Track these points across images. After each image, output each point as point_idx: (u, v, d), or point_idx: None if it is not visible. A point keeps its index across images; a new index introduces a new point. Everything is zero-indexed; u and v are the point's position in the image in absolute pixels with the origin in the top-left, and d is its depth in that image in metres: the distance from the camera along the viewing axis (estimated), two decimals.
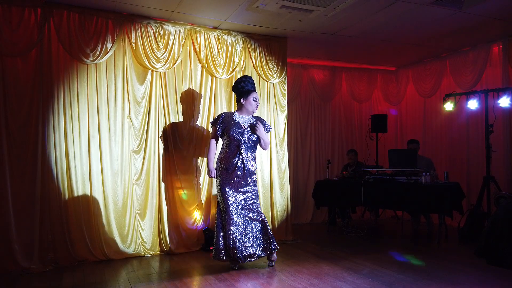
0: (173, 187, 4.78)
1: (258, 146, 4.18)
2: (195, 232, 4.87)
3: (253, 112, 4.17)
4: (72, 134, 4.32)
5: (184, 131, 4.86)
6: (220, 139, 4.20)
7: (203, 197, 4.97)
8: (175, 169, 4.77)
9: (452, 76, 6.34)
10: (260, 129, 4.07)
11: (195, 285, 3.56)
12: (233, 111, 4.41)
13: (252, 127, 4.07)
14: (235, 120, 4.07)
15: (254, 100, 4.13)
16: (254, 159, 4.11)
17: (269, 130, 4.25)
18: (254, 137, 4.06)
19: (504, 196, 4.74)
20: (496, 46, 5.74)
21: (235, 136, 3.99)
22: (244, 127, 4.05)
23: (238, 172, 3.96)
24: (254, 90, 4.18)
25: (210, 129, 4.72)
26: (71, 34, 4.28)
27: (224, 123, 4.08)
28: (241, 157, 3.97)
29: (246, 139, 4.01)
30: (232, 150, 4.00)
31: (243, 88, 4.14)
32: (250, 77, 4.21)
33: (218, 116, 4.21)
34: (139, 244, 4.60)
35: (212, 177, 4.12)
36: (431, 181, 5.24)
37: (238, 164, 3.96)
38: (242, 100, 4.14)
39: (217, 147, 4.21)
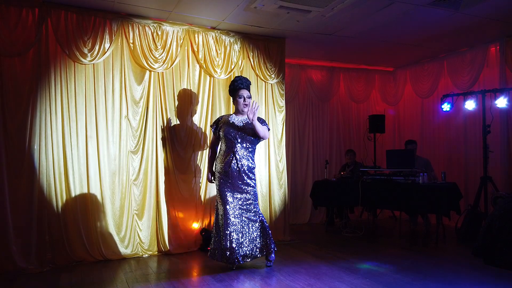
0: (171, 187, 4.78)
1: (258, 144, 4.17)
2: (193, 232, 4.86)
3: (243, 112, 4.08)
4: (69, 134, 4.31)
5: (182, 131, 4.86)
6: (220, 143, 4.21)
7: (201, 197, 4.97)
8: (173, 169, 4.77)
9: (450, 77, 6.35)
10: (253, 114, 3.84)
11: (193, 286, 3.56)
12: (231, 113, 4.39)
13: (247, 127, 4.02)
14: (229, 121, 4.07)
15: (240, 98, 4.07)
16: (251, 159, 4.06)
17: (268, 129, 4.14)
18: (250, 137, 4.02)
19: (501, 196, 4.75)
20: (494, 46, 5.76)
21: (228, 136, 3.99)
22: (239, 127, 4.03)
23: (234, 173, 3.96)
24: (243, 88, 4.08)
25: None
26: (69, 34, 4.27)
27: (220, 125, 4.11)
28: (235, 157, 3.96)
29: (241, 139, 3.99)
30: (227, 151, 4.01)
31: (230, 88, 4.18)
32: (241, 76, 4.17)
33: (216, 120, 4.25)
34: (137, 244, 4.60)
35: (210, 182, 4.19)
36: (429, 181, 5.25)
37: (233, 164, 3.95)
38: (233, 100, 4.18)
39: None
